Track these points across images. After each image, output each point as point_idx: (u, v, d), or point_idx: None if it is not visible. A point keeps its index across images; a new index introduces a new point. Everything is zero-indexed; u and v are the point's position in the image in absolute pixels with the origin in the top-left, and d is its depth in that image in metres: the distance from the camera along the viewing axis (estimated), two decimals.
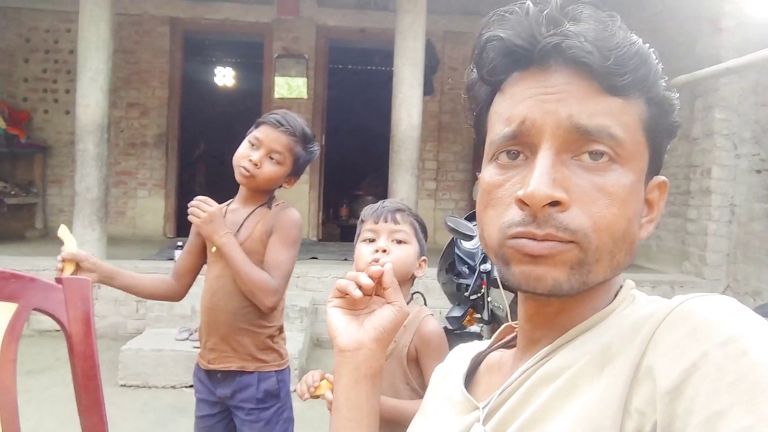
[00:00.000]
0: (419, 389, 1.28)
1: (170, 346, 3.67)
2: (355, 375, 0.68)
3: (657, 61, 0.54)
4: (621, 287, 0.58)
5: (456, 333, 2.51)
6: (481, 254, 2.41)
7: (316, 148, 1.70)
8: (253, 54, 7.54)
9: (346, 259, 5.19)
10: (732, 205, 4.77)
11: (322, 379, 1.25)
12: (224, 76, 9.71)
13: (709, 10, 4.70)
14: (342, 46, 7.35)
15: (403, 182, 4.73)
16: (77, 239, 4.85)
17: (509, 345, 0.67)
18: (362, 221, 1.38)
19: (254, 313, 1.63)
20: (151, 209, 6.69)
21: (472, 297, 2.38)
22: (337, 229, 8.01)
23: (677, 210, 5.19)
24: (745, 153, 4.71)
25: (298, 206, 1.77)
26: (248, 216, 1.65)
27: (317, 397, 1.25)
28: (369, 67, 8.53)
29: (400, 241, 1.32)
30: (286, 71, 6.60)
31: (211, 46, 8.81)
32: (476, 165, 6.63)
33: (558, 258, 0.51)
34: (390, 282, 0.71)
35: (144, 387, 3.52)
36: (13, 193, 5.98)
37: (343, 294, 0.71)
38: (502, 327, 0.72)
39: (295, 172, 1.67)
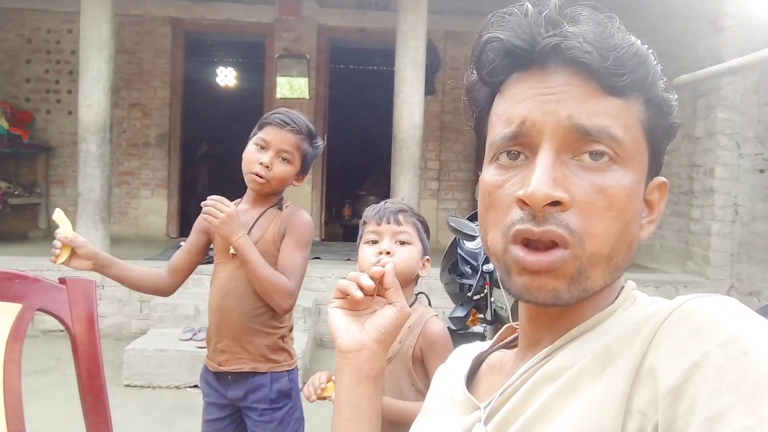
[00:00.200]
0: (424, 390, 1.28)
1: (174, 346, 3.67)
2: (356, 376, 0.68)
3: (656, 62, 0.54)
4: (622, 288, 0.58)
5: (459, 333, 2.51)
6: (484, 254, 2.40)
7: (320, 143, 1.70)
8: (255, 54, 7.55)
9: (349, 259, 5.19)
10: (735, 204, 4.76)
11: (329, 380, 1.25)
12: (226, 77, 9.72)
13: (711, 10, 4.69)
14: (343, 46, 7.35)
15: (405, 182, 4.73)
16: None
17: (511, 345, 0.67)
18: (364, 222, 1.37)
19: (267, 314, 1.62)
20: (153, 209, 6.70)
21: (475, 297, 2.38)
22: (339, 229, 8.02)
23: (680, 210, 5.18)
24: (748, 152, 4.70)
25: (301, 206, 1.77)
26: (259, 217, 1.65)
27: (324, 398, 1.25)
28: (370, 67, 8.53)
29: (403, 242, 1.32)
30: (288, 71, 6.60)
31: (213, 46, 8.82)
32: (478, 164, 6.61)
33: (558, 271, 0.51)
34: (391, 282, 0.70)
35: (148, 387, 3.53)
36: (16, 193, 5.99)
37: (344, 295, 0.71)
38: (504, 328, 0.72)
39: (303, 169, 1.67)
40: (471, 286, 2.40)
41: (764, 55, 3.76)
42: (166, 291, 1.73)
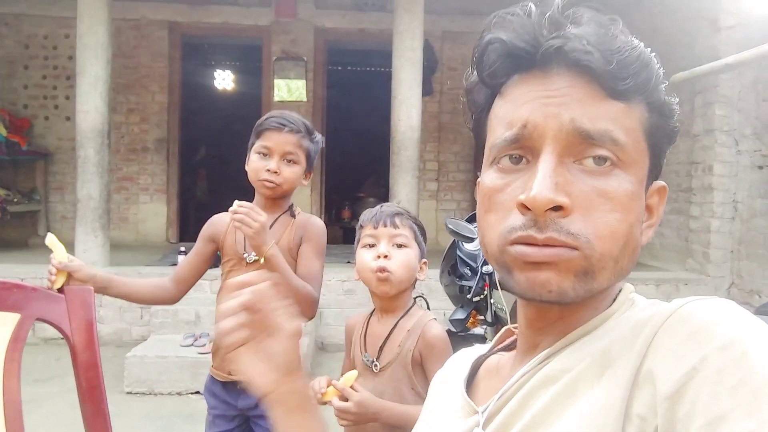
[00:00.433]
0: (424, 394, 1.28)
1: (175, 352, 3.67)
2: (285, 411, 0.65)
3: (658, 65, 0.54)
4: (620, 290, 0.57)
5: (460, 335, 2.50)
6: (483, 256, 2.40)
7: (319, 137, 1.70)
8: (252, 57, 7.55)
9: (348, 262, 5.19)
10: (734, 201, 4.76)
11: (328, 385, 1.25)
12: (224, 80, 9.72)
13: (709, 9, 4.69)
14: (340, 48, 7.35)
15: (404, 183, 4.73)
16: (80, 246, 4.80)
17: (509, 348, 0.67)
18: (361, 226, 1.37)
19: None
20: (153, 214, 6.70)
21: (475, 299, 2.38)
22: (339, 232, 8.01)
23: (680, 207, 5.18)
24: (747, 149, 4.70)
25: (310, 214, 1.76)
26: (272, 224, 1.63)
27: (324, 403, 1.25)
28: (368, 68, 8.53)
29: (400, 245, 1.32)
30: (285, 74, 6.60)
31: (210, 49, 8.82)
32: (477, 165, 6.59)
33: (562, 265, 0.50)
34: (258, 301, 0.65)
35: (149, 394, 3.52)
36: (15, 200, 5.99)
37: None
38: (502, 330, 0.72)
39: (309, 167, 1.67)
40: (471, 287, 2.40)
41: (761, 52, 3.76)
42: (170, 300, 1.70)
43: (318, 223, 1.68)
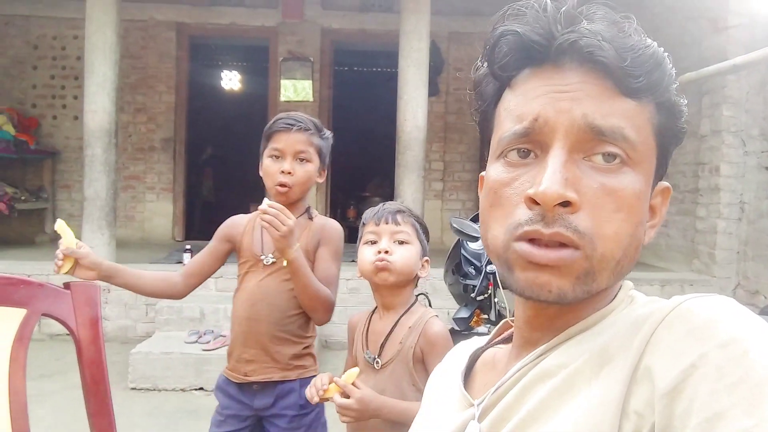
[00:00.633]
0: None
1: (179, 349, 3.69)
2: None
3: (671, 65, 0.54)
4: (620, 288, 0.57)
5: (464, 334, 2.51)
6: (487, 255, 2.41)
7: (328, 133, 1.69)
8: (259, 57, 7.57)
9: (353, 261, 5.19)
10: (741, 202, 4.73)
11: (330, 382, 1.26)
12: (230, 80, 9.75)
13: (713, 9, 4.67)
14: (347, 49, 7.36)
15: (409, 183, 4.73)
16: (87, 243, 4.86)
17: (507, 341, 0.67)
18: (364, 224, 1.39)
19: (295, 324, 1.61)
20: (159, 213, 6.73)
21: (479, 298, 2.38)
22: (345, 231, 7.99)
23: (686, 208, 5.16)
24: (754, 150, 4.67)
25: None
26: None
27: (326, 400, 1.26)
28: (374, 69, 8.54)
29: (401, 242, 1.33)
30: (292, 74, 6.62)
31: (217, 50, 8.85)
32: (482, 165, 6.58)
33: (564, 269, 0.50)
34: None
35: (154, 390, 3.54)
36: (23, 198, 6.03)
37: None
38: (501, 323, 0.71)
39: (322, 163, 1.66)
40: (475, 286, 2.40)
41: None
42: (176, 294, 1.70)
43: (336, 227, 1.68)
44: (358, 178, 8.74)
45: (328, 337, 4.48)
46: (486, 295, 2.37)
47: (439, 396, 0.68)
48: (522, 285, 0.52)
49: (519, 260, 0.51)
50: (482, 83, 0.60)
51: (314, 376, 1.59)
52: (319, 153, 1.64)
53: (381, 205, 1.39)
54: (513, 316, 0.63)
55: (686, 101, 0.57)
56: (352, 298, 4.50)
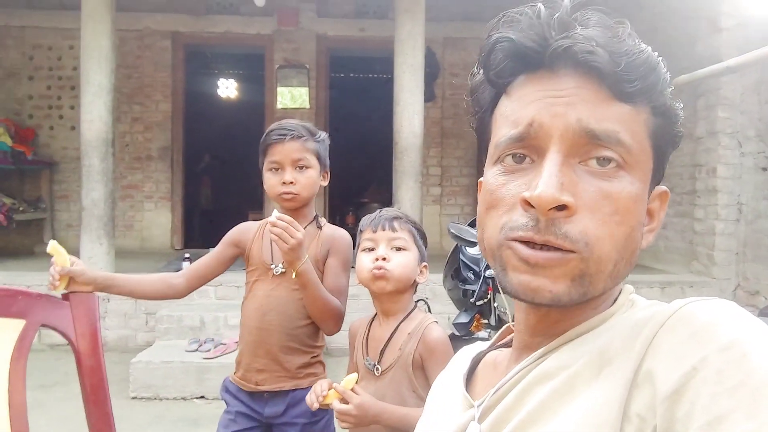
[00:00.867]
0: (425, 396, 1.28)
1: (180, 357, 3.68)
2: None
3: (665, 69, 0.54)
4: (621, 291, 0.57)
5: (464, 339, 2.51)
6: (484, 257, 2.41)
7: (323, 135, 1.68)
8: (255, 65, 7.60)
9: (353, 267, 5.19)
10: (739, 203, 4.74)
11: (330, 388, 1.25)
12: (227, 88, 9.77)
13: (709, 9, 4.69)
14: (342, 55, 7.38)
15: (407, 189, 4.74)
16: (85, 253, 4.80)
17: (509, 345, 0.67)
18: (361, 231, 1.39)
19: (306, 333, 1.60)
20: (157, 222, 6.73)
21: (479, 303, 2.38)
22: None
23: (684, 210, 5.17)
24: (750, 151, 4.69)
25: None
26: None
27: (326, 406, 1.25)
28: (370, 75, 8.57)
29: (399, 248, 1.33)
30: (288, 81, 6.64)
31: (213, 58, 8.88)
32: (480, 170, 6.60)
33: (557, 269, 0.50)
34: None
35: (155, 399, 3.53)
36: (21, 209, 6.03)
37: None
38: (503, 328, 0.72)
39: (323, 167, 1.66)
40: (474, 291, 2.41)
41: (763, 54, 3.76)
42: (176, 295, 1.68)
43: (345, 237, 1.67)
44: (356, 184, 8.75)
45: (329, 344, 4.48)
46: (485, 300, 2.38)
47: (442, 399, 0.68)
48: (516, 288, 0.52)
49: (512, 258, 0.52)
50: (479, 90, 0.60)
51: None
52: (318, 156, 1.63)
53: (378, 211, 1.39)
54: (514, 320, 0.63)
55: (682, 105, 0.57)
56: (353, 305, 4.47)
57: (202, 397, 3.54)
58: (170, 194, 6.76)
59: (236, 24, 6.56)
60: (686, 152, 5.07)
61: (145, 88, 6.65)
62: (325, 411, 1.57)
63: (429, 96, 6.18)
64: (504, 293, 0.55)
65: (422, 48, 4.79)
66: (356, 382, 1.25)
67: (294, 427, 1.59)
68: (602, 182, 0.51)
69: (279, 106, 6.60)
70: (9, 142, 5.84)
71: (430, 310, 1.46)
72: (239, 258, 1.73)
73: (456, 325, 2.49)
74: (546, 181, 0.49)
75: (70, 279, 1.42)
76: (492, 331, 2.49)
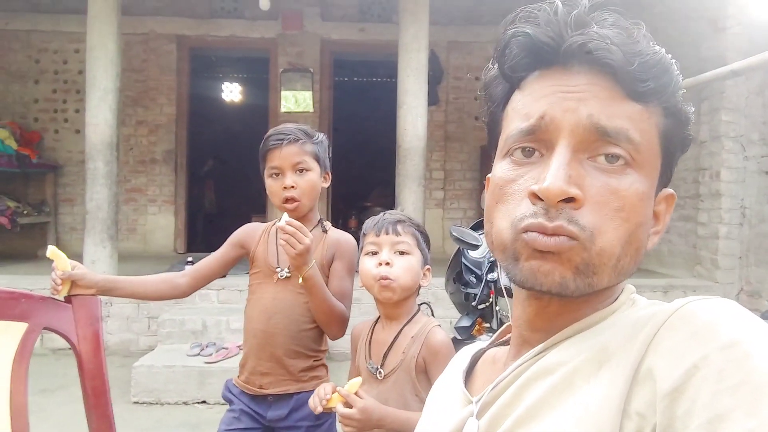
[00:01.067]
0: None
1: (182, 362, 3.68)
2: None
3: (678, 72, 0.55)
4: (622, 291, 0.58)
5: (466, 343, 2.49)
6: (488, 263, 2.40)
7: (320, 136, 1.68)
8: (259, 69, 7.62)
9: (356, 271, 5.19)
10: (742, 207, 4.73)
11: (333, 392, 1.25)
12: (231, 92, 9.80)
13: (712, 10, 4.69)
14: (346, 59, 7.39)
15: (410, 193, 4.74)
16: (89, 257, 4.81)
17: (509, 343, 0.67)
18: (364, 234, 1.38)
19: (310, 337, 1.61)
20: (161, 225, 6.74)
21: (480, 306, 2.37)
22: None
23: (688, 214, 5.16)
24: (754, 155, 4.68)
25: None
26: None
27: (329, 409, 1.25)
28: (374, 79, 8.58)
29: (402, 252, 1.33)
30: (292, 85, 6.65)
31: (218, 62, 8.91)
32: (483, 173, 6.61)
33: (565, 255, 0.51)
34: None
35: (156, 404, 3.53)
36: (25, 212, 6.05)
37: None
38: (504, 326, 0.72)
39: (323, 168, 1.66)
40: (476, 295, 2.40)
41: (767, 58, 3.75)
42: (179, 295, 1.69)
43: (351, 241, 1.67)
44: (359, 187, 8.75)
45: (331, 348, 4.47)
46: (487, 304, 2.37)
47: (441, 397, 0.68)
48: (526, 273, 0.52)
49: (525, 248, 0.52)
50: (492, 84, 0.61)
51: None
52: (317, 158, 1.63)
53: (381, 215, 1.39)
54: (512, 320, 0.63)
55: (693, 109, 0.57)
56: (355, 309, 4.48)
57: (204, 401, 3.54)
58: (174, 197, 6.78)
59: (241, 28, 6.58)
60: (690, 156, 5.05)
61: (150, 91, 6.67)
62: (328, 414, 1.57)
63: (433, 99, 6.18)
64: (513, 281, 0.56)
65: (426, 51, 4.80)
66: (360, 386, 1.24)
67: (297, 431, 1.59)
68: (609, 178, 0.52)
69: (283, 109, 6.61)
70: (14, 145, 5.87)
71: (433, 314, 1.45)
72: (242, 261, 1.73)
73: (458, 329, 2.48)
74: (554, 173, 0.50)
75: (72, 283, 1.42)
76: (494, 335, 2.48)
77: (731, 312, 0.45)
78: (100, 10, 4.54)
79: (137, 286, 1.60)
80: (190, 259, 4.60)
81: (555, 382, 0.50)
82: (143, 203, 6.72)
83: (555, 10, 0.53)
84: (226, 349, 3.83)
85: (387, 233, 1.33)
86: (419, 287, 1.38)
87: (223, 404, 1.72)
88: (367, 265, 1.33)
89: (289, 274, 1.60)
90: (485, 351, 0.69)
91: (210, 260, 1.70)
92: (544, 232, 0.51)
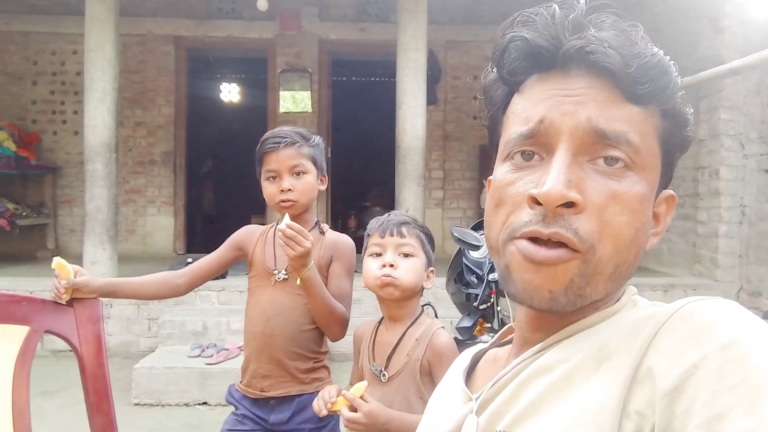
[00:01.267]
0: None
1: (183, 363, 3.68)
2: None
3: (676, 74, 0.55)
4: (623, 292, 0.58)
5: (467, 343, 2.50)
6: (489, 264, 2.40)
7: (317, 139, 1.68)
8: (257, 70, 7.61)
9: (356, 271, 5.19)
10: (742, 205, 4.73)
11: (338, 395, 1.25)
12: (229, 93, 9.79)
13: (711, 9, 4.69)
14: (345, 59, 7.39)
15: (409, 192, 4.74)
16: (88, 258, 4.81)
17: (510, 343, 0.68)
18: (368, 235, 1.38)
19: (310, 339, 1.61)
20: (160, 227, 6.73)
21: (482, 306, 2.37)
22: None
23: (687, 212, 5.16)
24: (753, 153, 4.68)
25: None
26: None
27: (334, 412, 1.25)
28: (372, 79, 8.58)
29: (407, 255, 1.32)
30: (291, 85, 6.64)
31: (216, 63, 8.90)
32: (483, 173, 6.63)
33: (560, 268, 0.50)
34: None
35: (157, 405, 3.52)
36: (24, 214, 6.04)
37: None
38: (505, 327, 0.72)
39: (320, 171, 1.66)
40: (477, 295, 2.40)
41: (765, 56, 3.75)
42: (176, 294, 1.71)
43: (349, 243, 1.67)
44: (358, 187, 8.75)
45: (331, 349, 4.47)
46: (488, 304, 2.37)
47: (443, 396, 0.69)
48: (518, 288, 0.52)
49: (516, 256, 0.52)
50: (492, 88, 0.61)
51: None
52: (314, 161, 1.64)
53: (386, 215, 1.38)
54: (515, 321, 0.63)
55: (692, 110, 0.57)
56: (355, 310, 4.48)
57: (205, 403, 3.54)
58: (173, 199, 6.77)
59: (238, 28, 6.58)
60: (689, 155, 5.04)
61: (148, 92, 6.67)
62: (330, 416, 1.56)
63: (431, 99, 6.18)
64: (507, 296, 0.56)
65: (425, 51, 4.79)
66: (365, 390, 1.24)
67: None
68: (610, 181, 0.51)
69: (281, 110, 6.61)
70: (12, 147, 5.85)
71: (436, 315, 1.45)
72: (242, 261, 1.73)
73: (459, 329, 2.48)
74: (554, 177, 0.50)
75: (75, 290, 1.43)
76: (495, 336, 2.48)
77: (731, 312, 0.45)
78: (98, 12, 4.54)
79: (137, 288, 1.63)
80: (189, 260, 4.58)
81: (554, 379, 0.50)
82: (142, 204, 6.72)
83: (552, 13, 0.53)
84: (227, 350, 3.83)
85: (392, 235, 1.32)
86: (422, 288, 1.38)
87: (224, 405, 1.72)
88: (371, 266, 1.33)
89: (286, 276, 1.60)
90: (486, 351, 0.70)
91: (207, 260, 1.71)
92: (539, 237, 0.50)
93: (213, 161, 8.96)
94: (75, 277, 1.42)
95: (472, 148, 6.85)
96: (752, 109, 4.66)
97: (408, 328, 1.34)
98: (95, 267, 4.45)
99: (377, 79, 8.41)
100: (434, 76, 6.44)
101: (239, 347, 3.73)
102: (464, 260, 2.54)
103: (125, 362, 4.06)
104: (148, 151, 6.71)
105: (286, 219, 1.43)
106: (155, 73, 6.65)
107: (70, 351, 1.36)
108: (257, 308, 1.63)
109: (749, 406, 0.39)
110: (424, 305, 1.43)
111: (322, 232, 1.67)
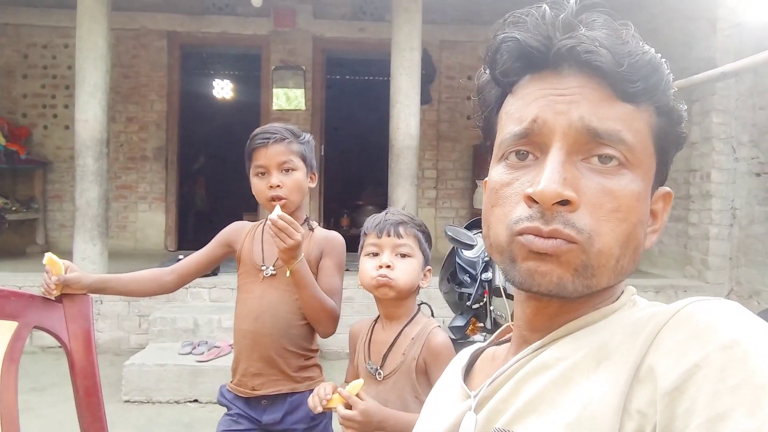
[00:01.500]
0: None
1: (173, 360, 3.66)
2: None
3: (668, 71, 0.55)
4: (623, 292, 0.58)
5: (460, 342, 2.50)
6: (482, 263, 2.40)
7: (307, 136, 1.68)
8: (251, 66, 7.58)
9: (348, 270, 5.18)
10: (733, 208, 4.77)
11: (334, 391, 1.24)
12: (222, 89, 9.75)
13: (707, 11, 4.72)
14: (339, 57, 7.38)
15: (403, 192, 4.74)
16: (78, 254, 4.78)
17: (509, 342, 0.68)
18: (365, 234, 1.37)
19: (300, 336, 1.60)
20: (152, 223, 6.69)
21: (475, 306, 2.37)
22: None
23: (678, 214, 5.19)
24: (744, 156, 4.71)
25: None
26: None
27: (329, 410, 1.24)
28: (366, 78, 8.57)
29: (404, 255, 1.31)
30: (284, 83, 6.62)
31: (209, 59, 8.86)
32: (475, 172, 6.64)
33: (563, 258, 0.51)
34: None
35: (148, 402, 3.50)
36: (14, 209, 5.98)
37: None
38: (503, 326, 0.73)
39: (309, 168, 1.66)
40: (470, 295, 2.39)
41: (758, 60, 3.78)
42: (166, 291, 1.70)
43: (339, 239, 1.67)
44: (351, 186, 8.74)
45: (323, 347, 4.46)
46: (481, 304, 2.37)
47: (441, 394, 0.69)
48: (524, 275, 0.53)
49: (522, 250, 0.52)
50: (485, 89, 0.61)
51: None
52: (303, 158, 1.63)
53: (383, 213, 1.37)
54: (513, 320, 0.63)
55: (686, 107, 0.58)
56: (347, 308, 4.48)
57: (196, 400, 3.52)
58: (164, 195, 6.73)
59: (232, 24, 6.55)
60: (681, 157, 5.09)
61: (141, 87, 6.62)
62: (323, 414, 1.56)
63: (425, 99, 6.18)
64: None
65: (419, 51, 4.79)
66: (360, 388, 1.23)
67: None
68: (604, 179, 0.52)
69: (275, 107, 6.58)
70: (2, 141, 5.79)
71: (433, 314, 1.45)
72: (233, 258, 1.72)
73: (452, 328, 2.47)
74: (548, 176, 0.50)
75: (65, 285, 1.41)
76: (488, 335, 2.48)
77: (733, 312, 0.46)
78: (90, 5, 4.50)
79: (127, 284, 1.62)
80: (180, 257, 4.55)
81: (554, 377, 0.50)
82: (133, 200, 6.67)
83: (543, 14, 0.53)
84: (218, 347, 3.81)
85: (389, 235, 1.31)
86: (419, 287, 1.37)
87: (215, 403, 1.70)
88: (368, 266, 1.32)
89: (275, 272, 1.59)
90: (485, 349, 0.70)
91: (196, 257, 1.70)
92: (540, 235, 0.51)
93: (205, 159, 8.92)
94: (66, 272, 1.41)
95: (466, 148, 6.86)
96: (744, 113, 4.69)
97: (404, 327, 1.33)
98: (85, 263, 4.41)
99: (372, 77, 8.41)
100: (428, 75, 6.44)
101: (230, 345, 3.71)
102: (457, 259, 2.53)
103: (116, 359, 4.04)
104: (139, 146, 6.67)
105: (277, 210, 1.42)
106: (148, 69, 6.61)
107: (60, 347, 1.35)
108: (246, 305, 1.62)
109: (751, 407, 0.39)
110: (420, 304, 1.43)
111: (311, 228, 1.67)
